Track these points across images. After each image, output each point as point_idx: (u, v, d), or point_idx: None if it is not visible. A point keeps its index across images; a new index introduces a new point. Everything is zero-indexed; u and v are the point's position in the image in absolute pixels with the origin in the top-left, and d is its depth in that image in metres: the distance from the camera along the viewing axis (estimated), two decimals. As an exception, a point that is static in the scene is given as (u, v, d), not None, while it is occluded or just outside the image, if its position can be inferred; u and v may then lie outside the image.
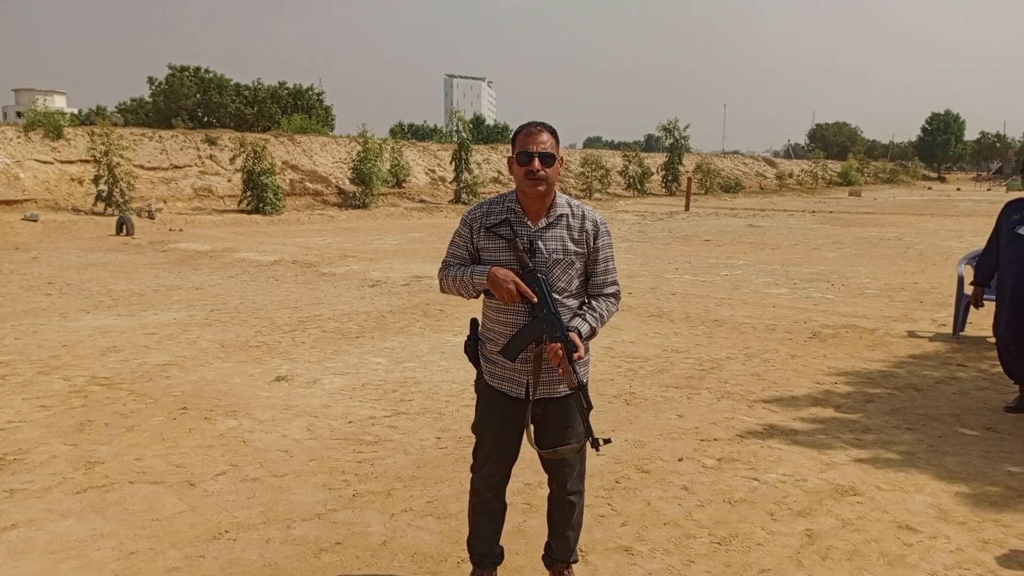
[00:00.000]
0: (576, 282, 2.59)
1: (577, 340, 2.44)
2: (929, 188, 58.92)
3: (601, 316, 2.60)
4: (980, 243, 5.56)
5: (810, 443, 4.47)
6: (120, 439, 4.43)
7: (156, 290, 9.68)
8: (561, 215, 2.57)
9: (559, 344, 2.39)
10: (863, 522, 3.46)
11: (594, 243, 2.59)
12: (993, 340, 5.37)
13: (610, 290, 2.66)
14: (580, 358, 2.44)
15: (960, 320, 7.27)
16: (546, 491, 2.85)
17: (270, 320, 7.84)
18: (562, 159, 2.60)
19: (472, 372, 2.81)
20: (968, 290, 5.70)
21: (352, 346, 6.78)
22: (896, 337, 7.26)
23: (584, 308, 2.60)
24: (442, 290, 2.69)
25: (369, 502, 3.66)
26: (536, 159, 2.47)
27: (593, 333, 2.57)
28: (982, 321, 6.91)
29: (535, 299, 2.43)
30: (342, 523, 3.44)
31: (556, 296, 2.50)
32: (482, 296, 2.62)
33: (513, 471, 2.80)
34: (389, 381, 5.69)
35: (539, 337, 2.47)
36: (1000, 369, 5.37)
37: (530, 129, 2.53)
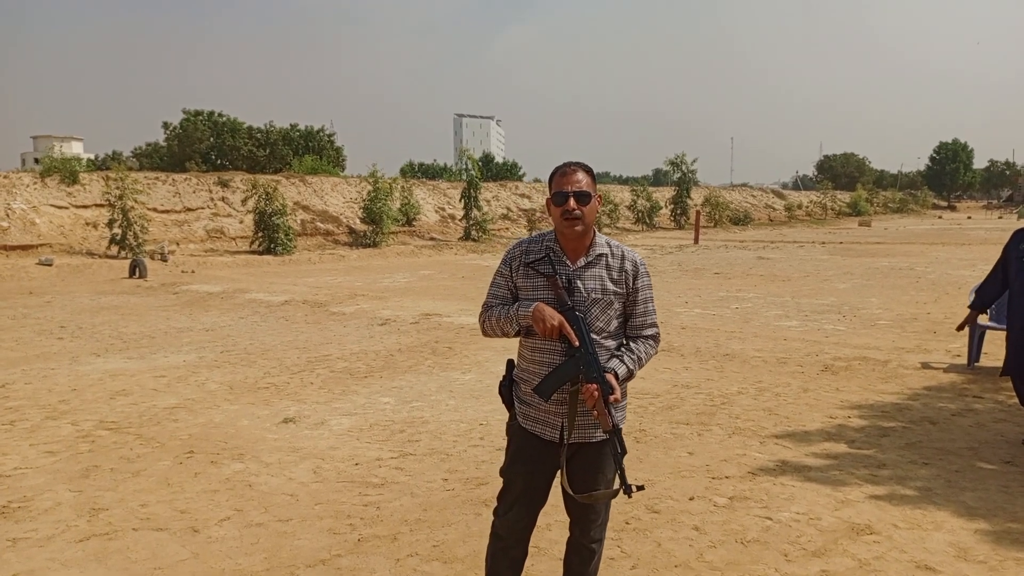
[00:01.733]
0: (615, 323, 2.56)
1: (613, 382, 2.40)
2: (939, 217, 58.71)
3: (639, 358, 2.55)
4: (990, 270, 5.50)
5: (824, 480, 4.38)
6: (125, 485, 4.40)
7: (167, 332, 9.71)
8: (601, 254, 2.56)
9: (595, 385, 2.35)
10: (880, 562, 3.37)
11: (634, 283, 2.58)
12: (1003, 370, 5.28)
13: (649, 332, 2.62)
14: (616, 401, 2.39)
15: (975, 350, 7.17)
16: (555, 534, 2.79)
17: (279, 361, 7.84)
18: (600, 197, 2.61)
19: (504, 414, 2.75)
20: (982, 319, 5.63)
21: (360, 386, 6.75)
22: (910, 369, 7.16)
23: (622, 349, 2.56)
24: (484, 333, 2.65)
25: (375, 547, 3.60)
26: (572, 199, 2.47)
27: (630, 375, 2.53)
28: (997, 352, 6.81)
29: (576, 342, 2.39)
30: (347, 569, 3.39)
31: (594, 336, 2.47)
32: (519, 337, 2.59)
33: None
34: (397, 421, 5.65)
35: (575, 377, 2.42)
36: (1017, 400, 5.27)
37: (565, 169, 2.54)
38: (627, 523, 3.82)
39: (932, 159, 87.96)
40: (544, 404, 2.52)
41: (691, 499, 4.12)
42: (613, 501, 4.02)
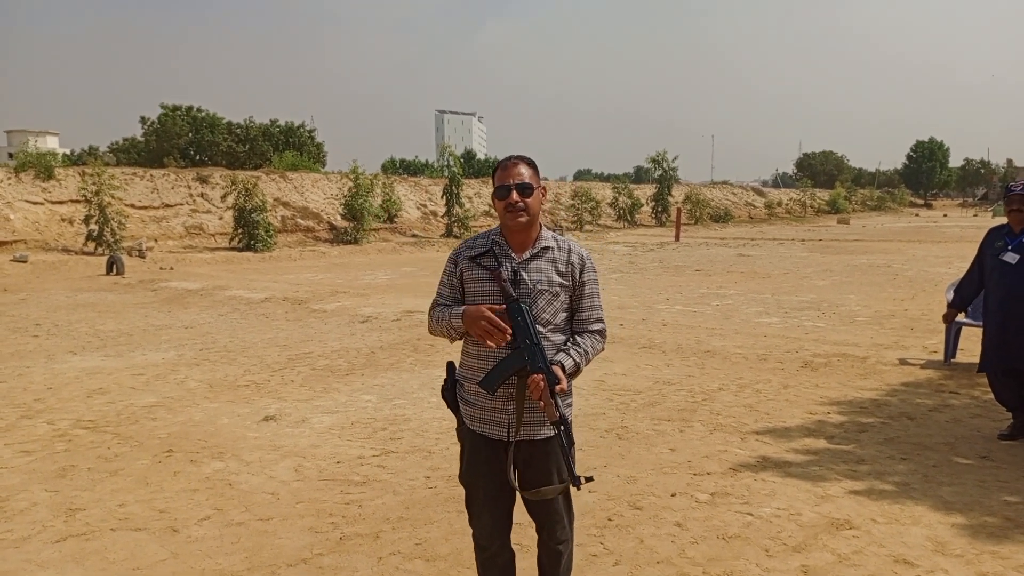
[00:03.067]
0: (561, 315, 2.55)
1: (560, 373, 2.40)
2: (916, 215, 59.45)
3: (586, 352, 2.55)
4: (967, 268, 5.58)
5: (804, 475, 4.42)
6: (103, 484, 4.35)
7: (145, 330, 9.60)
8: (546, 247, 2.56)
9: (541, 375, 2.33)
10: (859, 557, 3.41)
11: (580, 277, 2.57)
12: (980, 367, 5.35)
13: (595, 327, 2.62)
14: (562, 391, 2.38)
15: (951, 347, 7.27)
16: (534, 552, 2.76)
17: (259, 359, 7.77)
18: (544, 189, 2.59)
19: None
20: (951, 314, 5.71)
21: (342, 384, 6.71)
22: (888, 365, 7.24)
23: (568, 344, 2.55)
24: (431, 331, 2.65)
25: (356, 545, 3.58)
26: (514, 191, 2.48)
27: (577, 369, 2.51)
28: (973, 347, 6.90)
29: (509, 331, 2.37)
30: (328, 568, 3.36)
31: (540, 328, 2.46)
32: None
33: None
34: (378, 419, 5.62)
35: (520, 369, 2.39)
36: (992, 396, 5.35)
37: (506, 163, 2.54)
38: (609, 519, 3.83)
39: (909, 157, 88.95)
40: (489, 402, 2.50)
41: (673, 495, 4.14)
42: (596, 497, 4.04)
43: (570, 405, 2.58)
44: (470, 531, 2.73)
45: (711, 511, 3.93)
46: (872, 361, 7.40)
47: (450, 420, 5.48)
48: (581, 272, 2.57)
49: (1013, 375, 5.02)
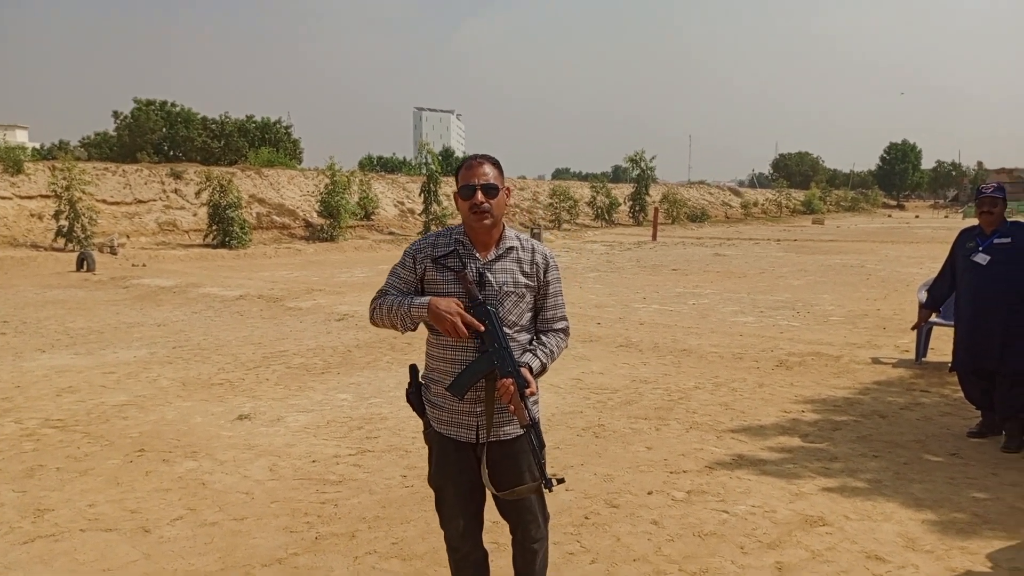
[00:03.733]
0: (527, 316, 2.53)
1: (528, 375, 2.38)
2: (889, 216, 60.36)
3: (551, 352, 2.54)
4: (939, 269, 5.67)
5: (779, 473, 4.46)
6: (72, 484, 4.27)
7: (116, 327, 9.45)
8: (511, 247, 2.52)
9: (510, 380, 2.31)
10: (832, 553, 3.45)
11: (544, 276, 2.54)
12: (951, 366, 5.44)
13: (559, 325, 2.60)
14: (532, 394, 2.37)
15: (922, 346, 7.38)
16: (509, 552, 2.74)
17: (234, 357, 7.69)
18: (509, 190, 2.55)
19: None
20: (925, 314, 5.80)
21: (317, 382, 6.66)
22: (861, 364, 7.34)
23: (534, 344, 2.54)
24: (372, 321, 2.55)
25: (332, 545, 3.55)
26: (479, 192, 2.42)
27: (543, 369, 2.50)
28: (944, 347, 7.02)
29: (482, 328, 2.34)
30: (304, 568, 3.33)
31: (507, 330, 2.42)
32: (426, 336, 2.53)
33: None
34: (355, 418, 5.59)
35: (489, 373, 2.36)
36: (962, 395, 5.43)
37: (471, 162, 2.48)
38: (586, 518, 3.84)
39: (882, 159, 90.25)
40: (457, 405, 2.46)
41: (649, 493, 4.16)
42: (573, 495, 4.05)
43: (536, 402, 2.55)
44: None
45: (687, 509, 3.95)
46: (845, 360, 7.49)
47: (427, 419, 5.48)
48: (545, 272, 2.55)
49: (982, 374, 5.10)
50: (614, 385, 6.54)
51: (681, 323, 9.74)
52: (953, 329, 5.40)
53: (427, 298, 2.40)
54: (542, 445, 2.39)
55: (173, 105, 43.33)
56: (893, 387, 6.48)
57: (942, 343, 7.14)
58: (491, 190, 2.44)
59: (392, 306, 2.46)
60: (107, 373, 6.96)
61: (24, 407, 5.83)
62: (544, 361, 2.49)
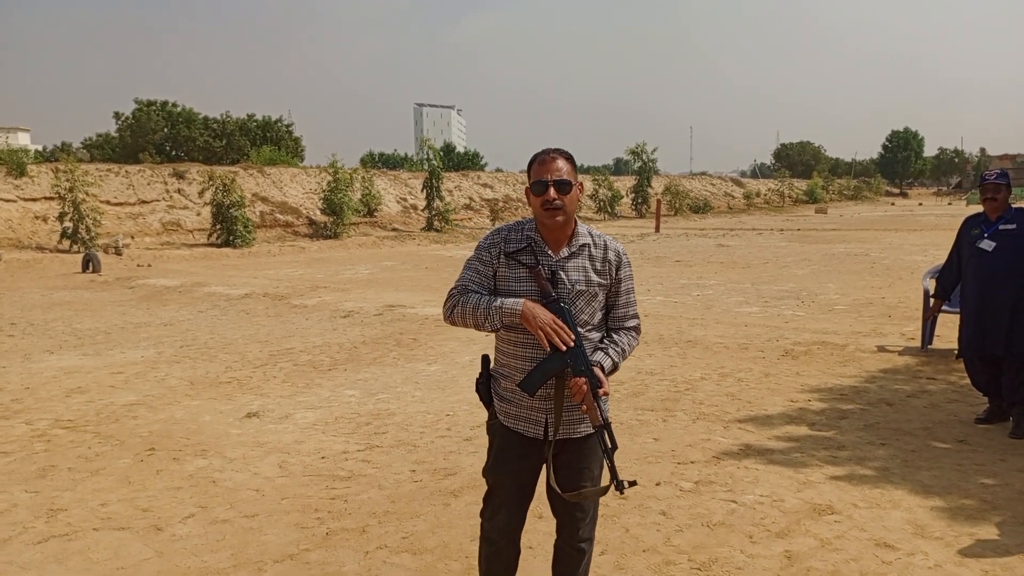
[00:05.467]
0: (599, 315, 2.47)
1: (601, 375, 2.33)
2: (892, 204, 60.18)
3: (623, 351, 2.47)
4: (943, 256, 5.66)
5: (786, 462, 4.47)
6: (84, 484, 4.30)
7: (123, 328, 9.49)
8: (584, 244, 2.45)
9: (584, 379, 2.26)
10: (841, 541, 3.46)
11: (616, 274, 2.48)
12: (958, 353, 5.45)
13: (631, 323, 2.54)
14: (605, 394, 2.31)
15: (928, 333, 7.38)
16: (548, 529, 2.70)
17: (241, 355, 7.72)
18: (581, 185, 2.48)
19: (478, 409, 2.66)
20: (936, 304, 5.79)
21: (324, 379, 6.68)
22: (867, 352, 7.34)
23: (605, 342, 2.48)
24: (450, 318, 2.44)
25: (343, 540, 3.57)
26: (551, 188, 2.35)
27: (615, 368, 2.44)
28: (950, 334, 7.01)
29: (572, 344, 2.28)
30: (315, 563, 3.36)
31: (579, 329, 2.36)
32: (494, 332, 2.47)
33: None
34: (362, 414, 5.61)
35: (560, 371, 2.33)
36: (969, 381, 5.43)
37: (544, 157, 2.41)
38: (595, 510, 3.85)
39: (884, 147, 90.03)
40: (527, 400, 2.42)
41: (657, 484, 4.17)
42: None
43: (608, 405, 2.50)
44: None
45: (695, 499, 3.96)
46: (851, 348, 7.49)
47: (434, 414, 5.50)
48: (618, 269, 2.48)
49: (989, 361, 5.10)
50: (619, 377, 6.54)
51: (686, 314, 9.74)
52: (959, 316, 5.40)
53: (520, 301, 2.32)
54: (615, 446, 2.33)
55: (174, 105, 43.43)
56: (899, 375, 6.49)
57: (948, 330, 7.13)
58: (564, 186, 2.37)
59: (479, 305, 2.36)
60: (115, 373, 6.99)
61: (34, 408, 5.87)
62: (616, 360, 2.43)
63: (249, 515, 3.86)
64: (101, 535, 3.65)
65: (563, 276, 2.40)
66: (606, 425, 2.31)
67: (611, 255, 2.48)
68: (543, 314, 2.29)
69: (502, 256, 2.43)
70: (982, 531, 3.53)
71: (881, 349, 7.46)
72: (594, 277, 2.44)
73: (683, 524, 3.67)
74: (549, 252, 2.41)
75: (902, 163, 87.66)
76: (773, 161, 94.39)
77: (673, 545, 3.46)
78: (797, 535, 3.53)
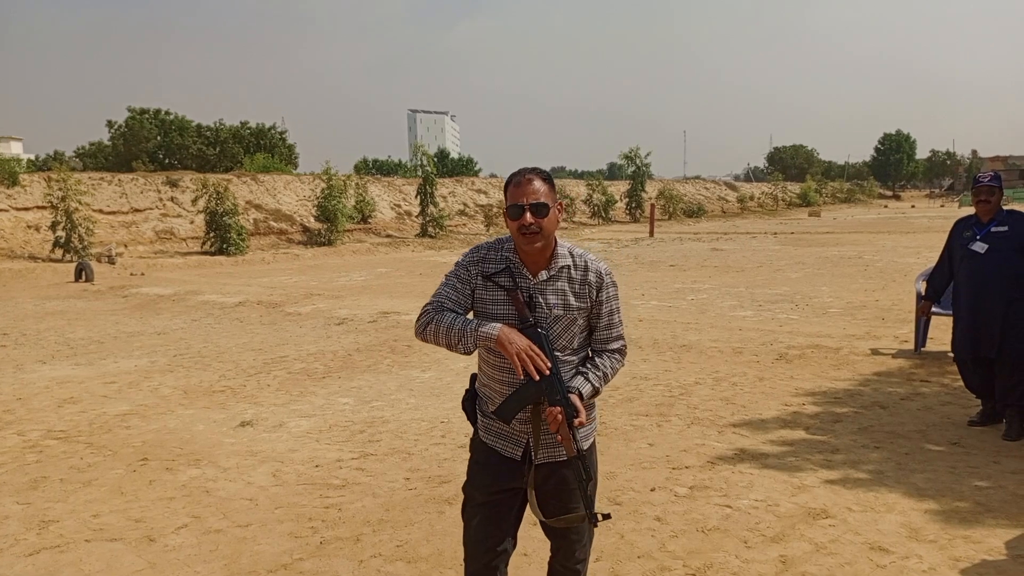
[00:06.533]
0: (578, 339, 2.36)
1: (578, 403, 2.21)
2: (885, 206, 60.39)
3: (604, 375, 2.36)
4: (936, 259, 5.69)
5: (781, 466, 4.47)
6: (76, 495, 4.27)
7: (116, 337, 9.45)
8: (563, 267, 2.33)
9: (559, 408, 2.17)
10: (836, 545, 3.46)
11: (597, 295, 2.36)
12: (952, 355, 5.47)
13: (615, 345, 2.41)
14: (580, 424, 2.19)
15: (921, 336, 7.40)
16: (543, 537, 2.59)
17: (234, 363, 7.69)
18: (561, 205, 2.37)
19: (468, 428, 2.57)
20: (926, 306, 5.81)
21: (318, 387, 6.66)
22: (860, 355, 7.35)
23: (587, 365, 2.37)
24: (421, 335, 2.31)
25: (337, 549, 3.56)
26: (528, 212, 2.24)
27: (595, 393, 2.33)
28: (943, 336, 7.03)
29: (548, 372, 2.19)
30: (309, 572, 3.34)
31: (557, 354, 2.28)
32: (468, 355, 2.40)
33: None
34: (356, 422, 5.59)
35: (536, 399, 2.24)
36: (962, 383, 5.45)
37: (519, 179, 2.30)
38: (590, 516, 3.84)
39: (877, 150, 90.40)
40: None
41: (652, 490, 4.17)
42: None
43: (593, 433, 2.44)
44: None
45: (690, 504, 3.96)
46: (845, 352, 7.50)
47: (429, 421, 5.49)
48: (599, 290, 2.36)
49: (982, 363, 5.11)
50: (614, 383, 6.54)
51: (680, 319, 9.75)
52: (952, 318, 5.41)
53: (496, 326, 2.22)
54: (589, 479, 2.24)
55: (167, 113, 43.38)
56: (893, 377, 6.50)
57: (941, 332, 7.16)
58: (541, 209, 2.25)
59: (453, 326, 2.25)
60: (108, 383, 6.96)
61: (26, 419, 5.84)
62: (596, 385, 2.32)
63: (243, 524, 3.84)
64: (93, 546, 3.63)
65: (541, 300, 2.30)
66: (581, 456, 2.22)
67: (591, 276, 2.36)
68: (519, 340, 2.19)
69: (480, 276, 2.35)
70: (976, 533, 3.54)
71: (875, 352, 7.47)
72: (573, 301, 2.33)
73: (678, 529, 3.67)
74: (528, 275, 2.32)
75: (895, 165, 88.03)
76: (767, 164, 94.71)
77: (668, 551, 3.46)
78: (792, 539, 3.53)
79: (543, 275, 2.32)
